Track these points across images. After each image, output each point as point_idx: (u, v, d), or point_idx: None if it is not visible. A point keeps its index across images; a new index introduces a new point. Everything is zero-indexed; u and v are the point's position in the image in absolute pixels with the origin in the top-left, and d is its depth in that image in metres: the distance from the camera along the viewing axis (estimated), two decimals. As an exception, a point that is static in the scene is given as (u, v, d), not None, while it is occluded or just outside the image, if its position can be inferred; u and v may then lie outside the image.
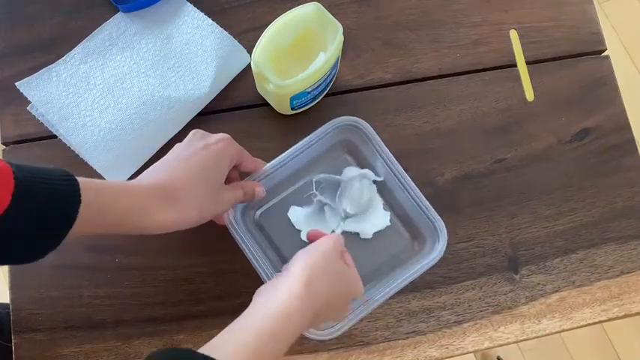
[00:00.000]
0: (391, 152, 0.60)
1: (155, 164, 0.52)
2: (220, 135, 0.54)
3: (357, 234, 0.63)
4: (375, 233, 0.63)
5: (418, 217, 0.60)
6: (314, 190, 0.62)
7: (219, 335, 0.45)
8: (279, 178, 0.61)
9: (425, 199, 0.59)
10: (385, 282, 0.58)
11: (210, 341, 0.44)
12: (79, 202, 0.43)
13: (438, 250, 0.58)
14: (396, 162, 0.60)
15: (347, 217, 0.62)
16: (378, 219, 0.63)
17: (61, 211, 0.43)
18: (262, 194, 0.57)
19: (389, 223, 0.63)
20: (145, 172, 0.52)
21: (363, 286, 0.54)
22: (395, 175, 0.60)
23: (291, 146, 0.59)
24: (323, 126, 0.60)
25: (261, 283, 0.52)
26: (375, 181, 0.63)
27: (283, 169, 0.60)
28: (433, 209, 0.59)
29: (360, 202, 0.62)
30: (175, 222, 0.49)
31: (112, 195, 0.47)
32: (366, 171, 0.62)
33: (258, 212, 0.63)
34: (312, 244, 0.52)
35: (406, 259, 0.61)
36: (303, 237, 0.62)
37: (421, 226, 0.61)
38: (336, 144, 0.64)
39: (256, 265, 0.55)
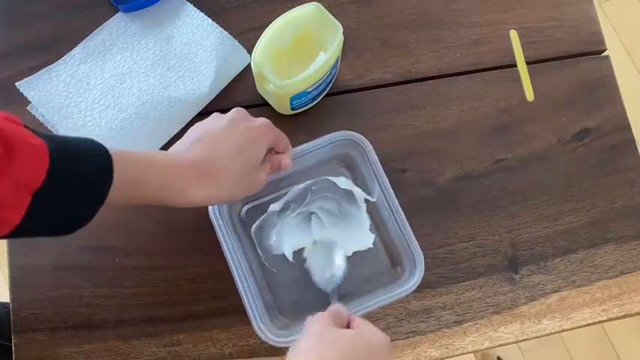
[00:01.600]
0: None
1: (195, 134, 0.51)
2: (262, 119, 0.54)
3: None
4: (356, 253, 0.62)
5: (400, 245, 0.60)
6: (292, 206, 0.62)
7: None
8: (272, 178, 0.60)
9: (410, 228, 0.58)
10: (358, 302, 0.57)
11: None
12: (111, 180, 0.44)
13: (412, 281, 0.57)
14: (390, 186, 0.59)
15: (325, 290, 0.60)
16: (362, 239, 0.62)
17: (92, 188, 0.44)
18: (288, 167, 0.56)
19: (371, 246, 0.62)
20: (183, 140, 0.52)
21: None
22: (386, 198, 0.59)
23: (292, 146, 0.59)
24: (325, 136, 0.60)
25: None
26: (366, 201, 0.62)
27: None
28: (415, 240, 0.58)
29: (331, 274, 0.61)
30: (207, 199, 0.50)
31: (148, 169, 0.48)
32: (359, 190, 0.62)
33: (245, 208, 0.63)
34: (314, 325, 0.48)
35: (385, 284, 0.60)
36: (289, 256, 0.62)
37: (402, 253, 0.60)
38: (334, 156, 0.63)
39: (230, 262, 0.56)
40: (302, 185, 0.63)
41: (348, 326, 0.49)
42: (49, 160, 0.40)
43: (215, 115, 0.54)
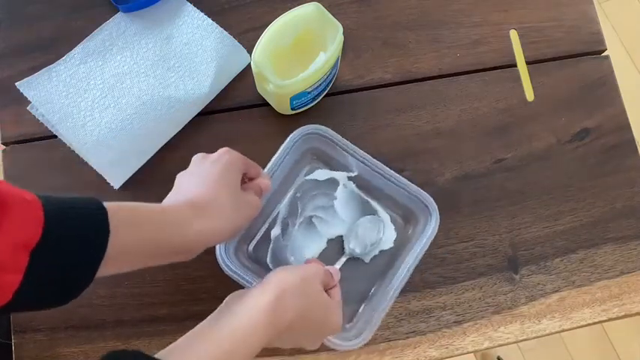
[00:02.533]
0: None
1: (170, 193, 0.52)
2: (220, 150, 0.54)
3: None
4: (369, 224, 0.63)
5: (403, 199, 0.61)
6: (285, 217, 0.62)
7: (179, 341, 0.44)
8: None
9: (403, 178, 0.59)
10: (393, 271, 0.58)
11: (169, 346, 0.43)
12: (108, 229, 0.42)
13: (433, 222, 0.58)
14: (368, 155, 0.60)
15: (353, 255, 0.62)
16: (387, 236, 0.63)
17: (91, 240, 0.41)
18: (269, 187, 0.56)
19: (386, 215, 0.63)
20: (164, 200, 0.51)
21: (372, 281, 0.54)
22: (367, 165, 0.60)
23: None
24: (285, 142, 0.59)
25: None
26: (350, 179, 0.63)
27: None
28: (415, 185, 0.59)
29: (368, 242, 0.62)
30: (213, 231, 0.48)
31: (144, 214, 0.46)
32: (339, 173, 0.62)
33: (251, 246, 0.63)
34: (297, 265, 0.52)
35: (405, 243, 0.62)
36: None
37: (409, 206, 0.61)
38: (304, 154, 0.63)
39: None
40: (287, 199, 0.63)
41: (328, 292, 0.52)
42: (44, 215, 0.39)
43: (179, 173, 0.54)
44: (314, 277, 0.49)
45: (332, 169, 0.64)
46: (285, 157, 0.60)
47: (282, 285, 0.46)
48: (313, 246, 0.63)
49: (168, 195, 0.51)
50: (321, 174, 0.63)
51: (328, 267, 0.53)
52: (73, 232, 0.41)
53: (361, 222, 0.63)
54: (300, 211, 0.63)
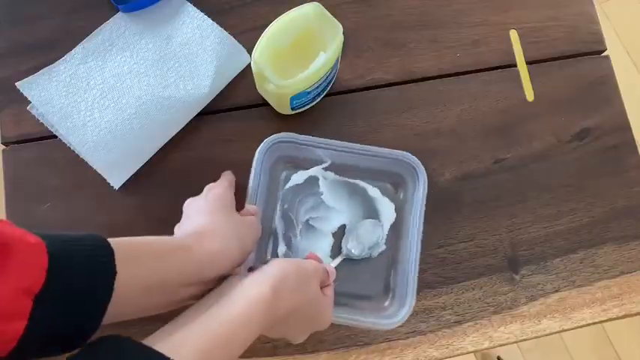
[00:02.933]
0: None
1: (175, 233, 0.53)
2: (205, 188, 0.56)
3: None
4: (364, 263, 0.63)
5: (384, 165, 0.61)
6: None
7: (167, 326, 0.42)
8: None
9: (374, 147, 0.60)
10: (344, 310, 0.58)
11: (157, 332, 0.41)
12: (114, 269, 0.41)
13: (422, 179, 0.60)
14: (330, 140, 0.60)
15: (350, 257, 0.62)
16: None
17: (97, 280, 0.40)
18: (257, 210, 0.58)
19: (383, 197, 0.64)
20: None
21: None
22: (338, 150, 0.60)
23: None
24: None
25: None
26: (326, 169, 0.63)
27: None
28: (388, 149, 0.60)
29: (366, 245, 0.62)
30: (221, 253, 0.48)
31: (143, 244, 0.45)
32: (314, 169, 0.63)
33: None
34: (297, 259, 0.52)
35: (402, 208, 0.63)
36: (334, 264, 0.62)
37: (394, 169, 0.62)
38: (274, 165, 0.63)
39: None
40: (277, 214, 0.63)
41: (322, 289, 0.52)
42: (48, 258, 0.37)
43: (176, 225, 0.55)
44: (313, 273, 0.50)
45: (307, 168, 0.63)
46: (260, 177, 0.60)
47: (282, 277, 0.46)
48: (321, 245, 0.63)
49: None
50: (298, 177, 0.63)
51: (325, 265, 0.54)
52: (79, 275, 0.39)
53: (363, 224, 0.63)
54: (294, 220, 0.63)
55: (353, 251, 0.62)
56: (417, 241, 0.59)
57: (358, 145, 0.60)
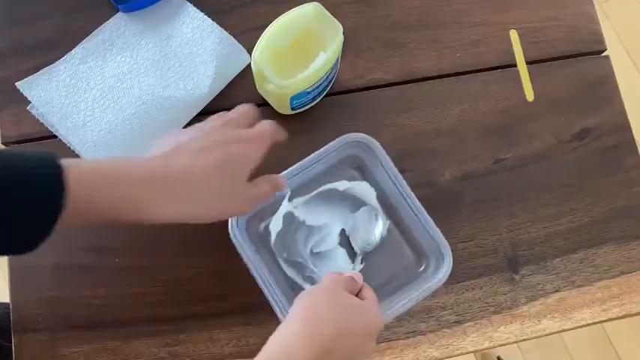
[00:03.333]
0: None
1: (168, 136, 0.47)
2: (259, 129, 0.49)
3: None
4: (379, 250, 0.62)
5: (423, 238, 0.60)
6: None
7: None
8: (282, 193, 0.60)
9: (431, 220, 0.59)
10: (389, 301, 0.57)
11: None
12: (62, 205, 0.39)
13: (442, 272, 0.58)
14: (404, 182, 0.59)
15: (366, 251, 0.61)
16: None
17: (43, 205, 0.39)
18: (283, 187, 0.54)
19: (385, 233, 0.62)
20: (142, 160, 0.46)
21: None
22: (402, 195, 0.59)
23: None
24: (333, 141, 0.60)
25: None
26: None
27: (290, 182, 0.60)
28: (438, 230, 0.59)
29: (372, 231, 0.62)
30: (182, 214, 0.45)
31: (102, 181, 0.42)
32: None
33: (262, 225, 0.62)
34: (314, 285, 0.51)
35: (410, 280, 0.61)
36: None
37: (425, 246, 0.61)
38: (343, 159, 0.63)
39: (261, 284, 0.55)
40: (285, 267, 0.61)
41: (357, 295, 0.51)
42: None
43: (210, 119, 0.49)
44: (336, 286, 0.48)
45: (363, 176, 0.64)
46: (330, 154, 0.60)
47: (308, 306, 0.45)
48: (338, 262, 0.62)
49: (165, 139, 0.47)
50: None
51: (348, 273, 0.52)
52: (25, 190, 0.38)
53: (357, 216, 0.62)
54: (302, 261, 0.61)
55: (366, 245, 0.61)
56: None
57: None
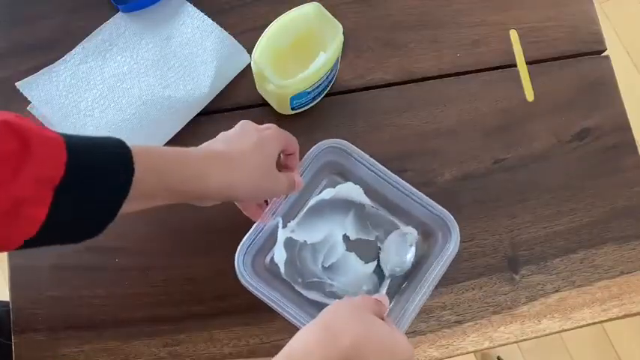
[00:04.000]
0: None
1: (208, 142, 0.53)
2: (267, 124, 0.56)
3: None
4: (387, 242, 0.62)
5: (423, 214, 0.60)
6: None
7: None
8: (275, 222, 0.60)
9: (424, 195, 0.59)
10: (414, 287, 0.58)
11: None
12: (133, 169, 0.43)
13: (453, 242, 0.58)
14: (386, 169, 0.59)
15: (394, 275, 0.61)
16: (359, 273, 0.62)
17: (115, 178, 0.43)
18: (301, 184, 0.57)
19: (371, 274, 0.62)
20: (198, 147, 0.52)
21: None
22: (389, 182, 0.59)
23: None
24: (308, 153, 0.59)
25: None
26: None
27: (281, 208, 0.60)
28: (436, 204, 0.59)
29: (402, 262, 0.61)
30: (234, 184, 0.50)
31: (170, 158, 0.47)
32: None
33: (267, 260, 0.62)
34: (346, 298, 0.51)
35: (426, 258, 0.61)
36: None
37: (429, 221, 0.61)
38: (322, 167, 0.63)
39: (288, 316, 0.55)
40: (305, 292, 0.61)
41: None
42: (67, 152, 0.40)
43: (223, 132, 0.54)
44: (364, 305, 0.48)
45: (346, 180, 0.63)
46: (307, 169, 0.60)
47: (331, 314, 0.46)
48: (353, 265, 0.62)
49: (205, 143, 0.53)
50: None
51: (375, 296, 0.52)
52: (97, 170, 0.42)
53: (391, 239, 0.62)
54: (323, 282, 0.61)
55: (397, 268, 0.61)
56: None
57: (404, 182, 0.59)
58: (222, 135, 0.54)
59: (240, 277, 0.55)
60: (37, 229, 0.39)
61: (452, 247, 0.57)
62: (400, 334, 0.48)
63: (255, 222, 0.58)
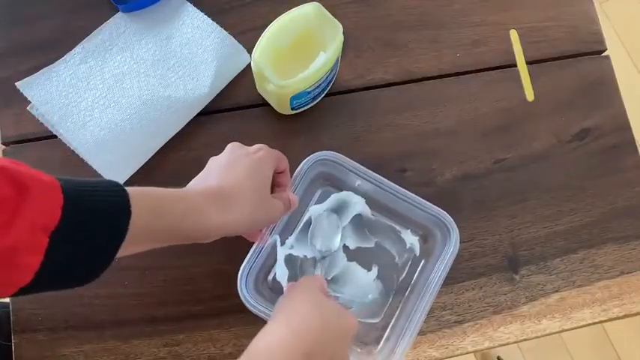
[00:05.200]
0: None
1: (199, 175, 0.53)
2: (257, 145, 0.56)
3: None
4: (384, 245, 0.62)
5: (420, 217, 0.60)
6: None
7: None
8: (273, 240, 0.60)
9: (418, 197, 0.59)
10: (418, 292, 0.58)
11: None
12: (129, 212, 0.42)
13: (453, 240, 0.58)
14: (378, 175, 0.59)
15: (322, 257, 0.61)
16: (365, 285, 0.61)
17: (112, 222, 0.42)
18: (296, 204, 0.57)
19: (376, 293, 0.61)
20: (191, 182, 0.52)
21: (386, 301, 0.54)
22: (382, 188, 0.59)
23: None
24: (298, 168, 0.59)
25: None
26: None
27: (278, 225, 0.59)
28: (433, 205, 0.59)
29: (332, 240, 0.61)
30: (232, 222, 0.49)
31: (167, 200, 0.47)
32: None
33: (269, 279, 0.61)
34: (289, 285, 0.52)
35: (428, 261, 0.61)
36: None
37: (427, 223, 0.61)
38: (314, 179, 0.62)
39: None
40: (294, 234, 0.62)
41: None
42: (63, 197, 0.39)
43: (212, 157, 0.54)
44: (309, 286, 0.49)
45: (339, 191, 0.63)
46: (298, 185, 0.59)
47: (290, 309, 0.46)
48: (356, 274, 0.62)
49: (197, 176, 0.53)
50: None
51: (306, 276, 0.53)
52: (94, 214, 0.41)
53: (323, 216, 0.61)
54: (333, 295, 0.61)
55: (324, 250, 0.61)
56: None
57: (397, 186, 0.59)
58: (213, 163, 0.53)
59: (244, 301, 0.55)
60: (32, 277, 0.38)
61: (452, 246, 0.57)
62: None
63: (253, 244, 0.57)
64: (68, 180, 0.41)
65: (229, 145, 0.55)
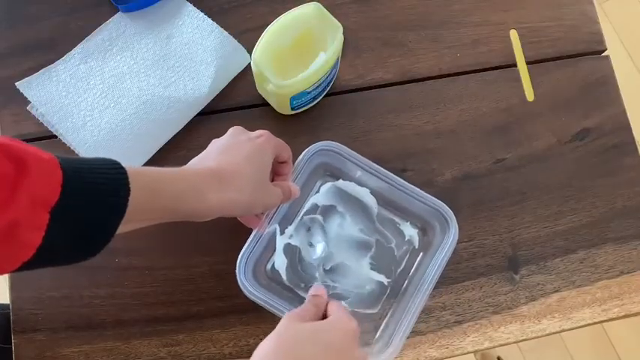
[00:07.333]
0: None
1: (199, 155, 0.53)
2: (259, 130, 0.55)
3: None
4: (383, 237, 0.62)
5: (419, 209, 0.60)
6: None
7: None
8: (272, 229, 0.60)
9: (418, 189, 0.59)
10: (416, 283, 0.58)
11: None
12: (128, 189, 0.42)
13: (452, 233, 0.58)
14: (380, 167, 0.59)
15: (322, 248, 0.61)
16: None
17: (111, 199, 0.42)
18: (297, 193, 0.57)
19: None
20: (190, 162, 0.52)
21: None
22: (383, 179, 0.59)
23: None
24: (299, 158, 0.59)
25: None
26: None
27: (278, 214, 0.59)
28: (432, 197, 0.59)
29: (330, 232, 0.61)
30: (229, 203, 0.49)
31: (164, 178, 0.47)
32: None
33: (268, 267, 0.61)
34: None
35: (427, 254, 0.61)
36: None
37: (425, 217, 0.61)
38: (314, 170, 0.62)
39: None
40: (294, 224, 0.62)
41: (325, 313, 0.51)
42: (62, 173, 0.39)
43: (214, 139, 0.54)
44: (286, 328, 0.48)
45: (343, 179, 0.63)
46: (299, 175, 0.59)
47: (283, 329, 0.46)
48: (354, 265, 0.62)
49: (197, 157, 0.53)
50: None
51: (311, 291, 0.53)
52: (93, 190, 0.41)
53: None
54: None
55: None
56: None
57: (398, 178, 0.59)
58: (213, 145, 0.53)
59: (242, 288, 0.55)
60: (34, 252, 0.39)
61: (451, 237, 0.58)
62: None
63: (252, 231, 0.57)
64: (67, 158, 0.41)
65: (231, 129, 0.55)
